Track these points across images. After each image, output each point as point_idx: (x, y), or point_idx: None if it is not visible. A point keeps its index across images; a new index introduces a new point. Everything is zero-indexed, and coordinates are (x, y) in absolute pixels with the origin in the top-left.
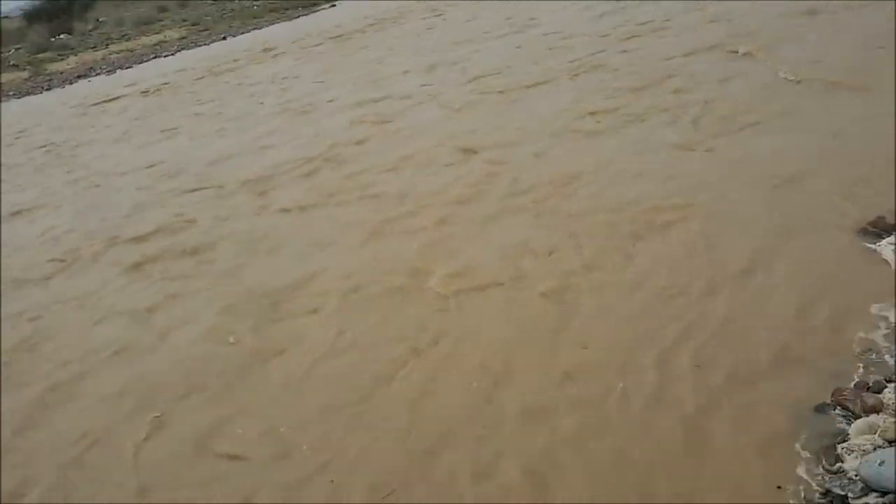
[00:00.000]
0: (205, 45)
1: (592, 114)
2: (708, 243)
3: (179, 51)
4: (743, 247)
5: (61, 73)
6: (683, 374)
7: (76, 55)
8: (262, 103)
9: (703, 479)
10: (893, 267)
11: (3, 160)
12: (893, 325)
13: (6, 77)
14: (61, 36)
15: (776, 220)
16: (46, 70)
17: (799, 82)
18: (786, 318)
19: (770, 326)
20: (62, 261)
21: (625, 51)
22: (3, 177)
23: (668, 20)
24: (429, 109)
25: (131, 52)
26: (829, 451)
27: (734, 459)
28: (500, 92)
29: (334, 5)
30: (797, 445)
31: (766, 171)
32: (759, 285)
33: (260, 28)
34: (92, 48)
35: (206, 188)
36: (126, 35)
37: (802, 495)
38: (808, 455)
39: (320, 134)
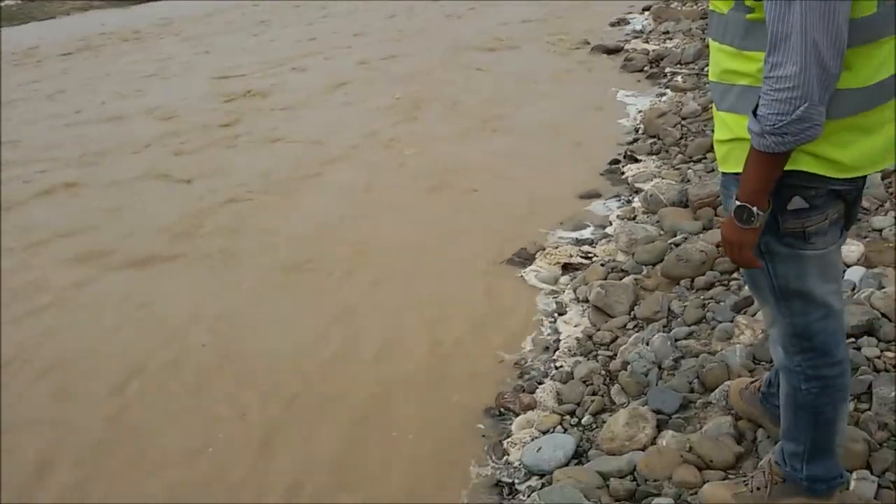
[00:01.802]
0: None
1: None
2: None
3: None
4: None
5: None
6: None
7: None
8: None
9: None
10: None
11: None
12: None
13: None
14: None
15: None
16: None
17: None
18: (459, 336)
19: (446, 345)
20: None
21: None
22: None
23: None
24: None
25: None
26: (497, 447)
27: (419, 460)
28: None
29: None
30: (472, 446)
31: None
32: (433, 316)
33: None
34: None
35: None
36: None
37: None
38: (481, 453)
39: None
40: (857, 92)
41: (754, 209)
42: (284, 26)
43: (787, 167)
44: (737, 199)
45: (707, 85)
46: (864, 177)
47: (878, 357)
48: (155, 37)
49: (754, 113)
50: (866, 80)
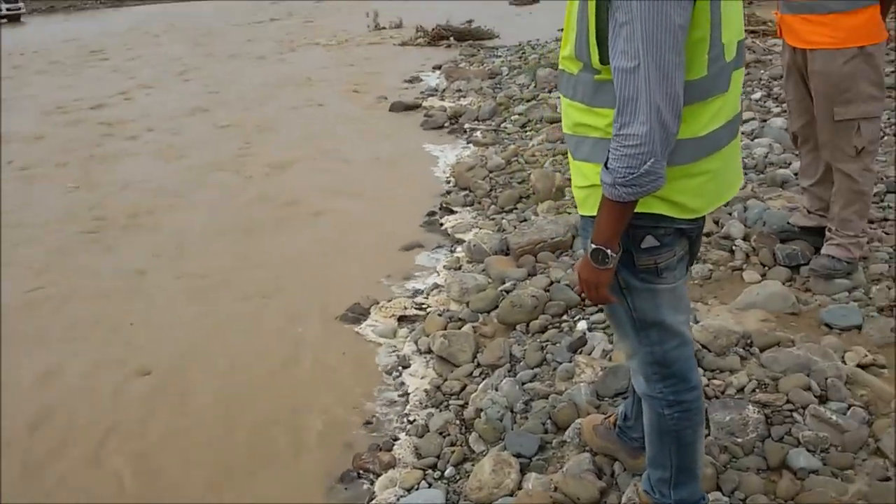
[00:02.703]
0: None
1: None
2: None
3: None
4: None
5: None
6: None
7: None
8: None
9: None
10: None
11: None
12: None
13: None
14: None
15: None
16: None
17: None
18: (291, 402)
19: (291, 411)
20: None
21: None
22: None
23: None
24: None
25: None
26: None
27: None
28: None
29: None
30: None
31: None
32: (270, 384)
33: None
34: None
35: None
36: None
37: None
38: None
39: None
40: (693, 142)
41: (609, 251)
42: (115, 69)
43: (640, 210)
44: (592, 242)
45: (562, 136)
46: (704, 217)
47: (707, 385)
48: None
49: (606, 165)
50: (700, 131)
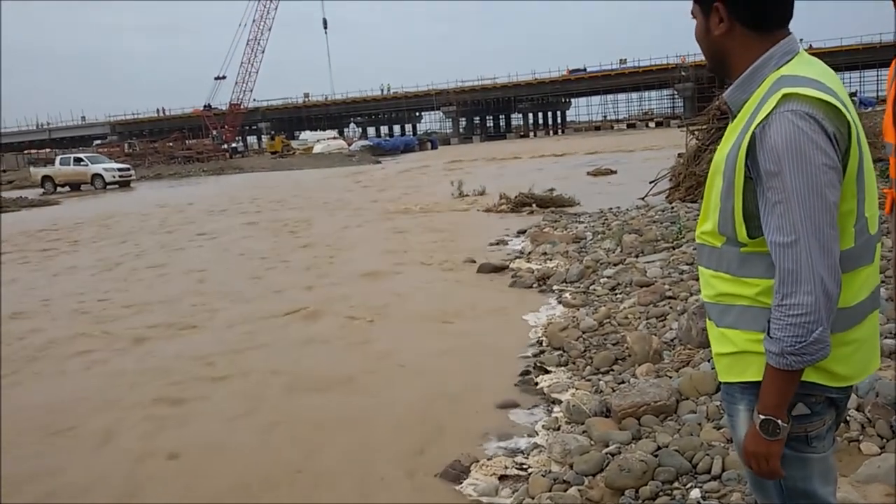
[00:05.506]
0: None
1: None
2: None
3: None
4: None
5: None
6: None
7: None
8: None
9: None
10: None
11: None
12: None
13: None
14: None
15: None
16: None
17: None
18: None
19: None
20: None
21: None
22: None
23: None
24: None
25: None
26: None
27: None
28: None
29: None
30: None
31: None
32: None
33: None
34: None
35: None
36: None
37: None
38: None
39: None
40: (845, 312)
41: (779, 421)
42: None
43: None
44: (759, 413)
45: (702, 306)
46: (852, 386)
47: None
48: None
49: (769, 335)
50: (850, 301)
